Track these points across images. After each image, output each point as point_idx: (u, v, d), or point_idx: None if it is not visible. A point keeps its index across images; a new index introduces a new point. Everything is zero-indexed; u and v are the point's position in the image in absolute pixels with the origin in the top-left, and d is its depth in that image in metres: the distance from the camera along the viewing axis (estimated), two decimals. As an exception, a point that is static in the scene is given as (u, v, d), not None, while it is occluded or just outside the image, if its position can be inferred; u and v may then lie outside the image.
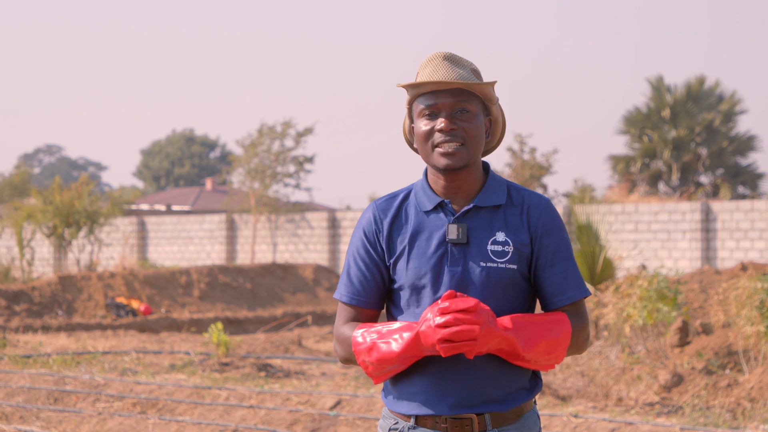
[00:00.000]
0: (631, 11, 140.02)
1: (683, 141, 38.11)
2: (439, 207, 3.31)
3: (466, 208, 3.29)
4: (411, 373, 3.28)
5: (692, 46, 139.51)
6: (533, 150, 31.58)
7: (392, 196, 3.38)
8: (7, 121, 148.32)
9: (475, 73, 3.30)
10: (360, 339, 3.25)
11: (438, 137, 3.25)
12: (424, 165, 3.38)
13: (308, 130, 35.67)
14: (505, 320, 3.18)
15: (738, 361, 10.55)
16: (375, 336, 3.23)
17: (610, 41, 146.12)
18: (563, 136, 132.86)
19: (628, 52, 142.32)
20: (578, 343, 3.29)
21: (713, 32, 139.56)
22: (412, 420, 3.30)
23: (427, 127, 3.27)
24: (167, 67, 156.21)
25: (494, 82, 3.29)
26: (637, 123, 39.08)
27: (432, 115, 3.27)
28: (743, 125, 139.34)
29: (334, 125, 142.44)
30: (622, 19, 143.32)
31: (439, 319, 3.08)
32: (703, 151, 38.66)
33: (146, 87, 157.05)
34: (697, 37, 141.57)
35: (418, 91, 3.29)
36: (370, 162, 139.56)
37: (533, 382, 3.35)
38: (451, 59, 3.28)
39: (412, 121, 3.35)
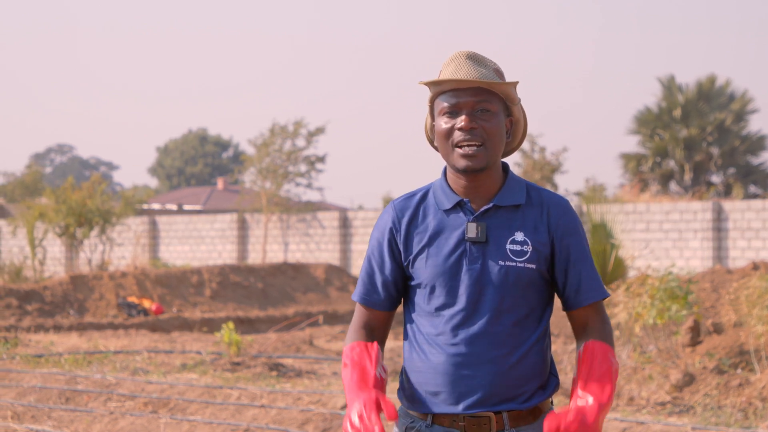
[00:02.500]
0: (632, 11, 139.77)
1: (695, 140, 38.05)
2: (458, 206, 3.31)
3: (485, 207, 3.29)
4: (427, 371, 3.29)
5: (700, 45, 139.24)
6: (543, 149, 31.57)
7: (410, 195, 3.37)
8: (19, 121, 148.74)
9: (498, 73, 3.30)
10: (343, 357, 3.35)
11: (458, 136, 3.24)
12: (439, 164, 3.39)
13: (320, 130, 35.65)
14: (590, 402, 3.18)
15: (749, 361, 10.53)
16: (349, 364, 3.30)
17: (610, 41, 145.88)
18: (566, 135, 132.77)
19: (629, 52, 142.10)
20: (612, 342, 3.34)
21: (721, 31, 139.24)
22: (429, 419, 3.30)
23: (448, 125, 3.26)
24: (180, 68, 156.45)
25: (516, 83, 3.29)
26: (648, 123, 39.02)
27: (453, 114, 3.26)
28: (754, 124, 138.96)
29: (346, 124, 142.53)
30: (624, 18, 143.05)
31: (349, 428, 3.15)
32: (715, 151, 38.59)
33: (158, 87, 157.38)
34: (704, 36, 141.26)
35: (439, 89, 3.28)
36: (382, 161, 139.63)
37: (549, 382, 3.35)
38: (474, 58, 3.27)
39: (433, 119, 3.34)
